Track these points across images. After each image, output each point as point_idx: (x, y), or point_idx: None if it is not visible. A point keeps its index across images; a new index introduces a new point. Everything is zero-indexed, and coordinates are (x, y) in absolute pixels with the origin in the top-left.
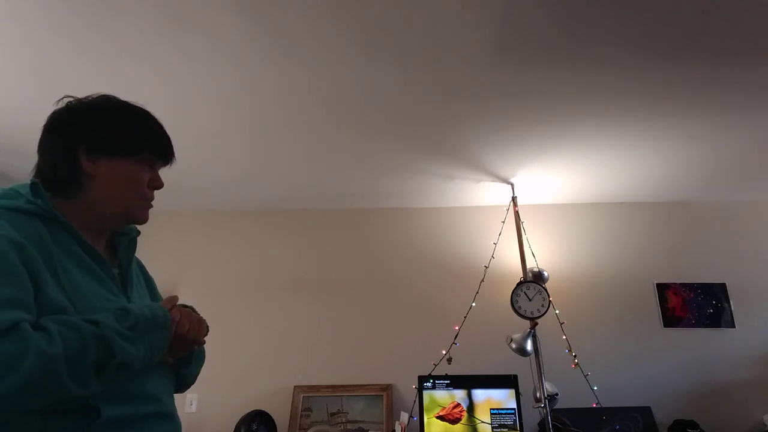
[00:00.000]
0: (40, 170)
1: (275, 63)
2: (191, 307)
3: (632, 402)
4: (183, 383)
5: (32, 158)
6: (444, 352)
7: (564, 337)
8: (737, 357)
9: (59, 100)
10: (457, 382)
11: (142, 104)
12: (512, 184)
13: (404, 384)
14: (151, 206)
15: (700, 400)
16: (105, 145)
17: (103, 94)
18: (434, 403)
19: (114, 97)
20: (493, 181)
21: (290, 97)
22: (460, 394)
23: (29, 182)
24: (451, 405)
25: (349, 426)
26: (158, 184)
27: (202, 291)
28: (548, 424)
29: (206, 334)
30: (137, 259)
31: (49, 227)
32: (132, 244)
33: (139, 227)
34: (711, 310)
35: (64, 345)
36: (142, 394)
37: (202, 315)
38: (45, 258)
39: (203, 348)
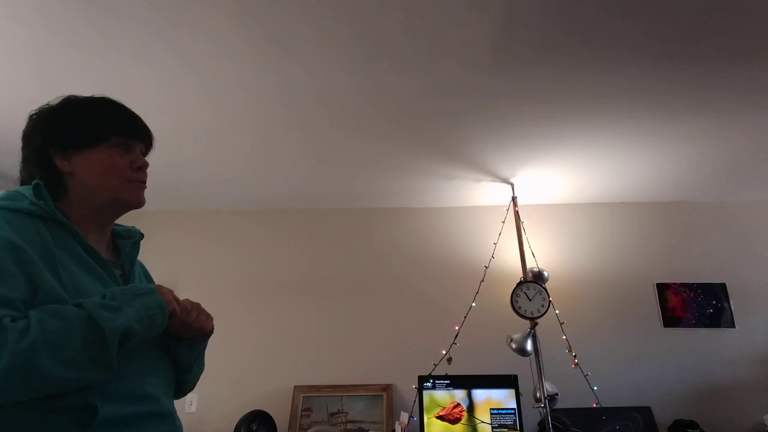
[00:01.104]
0: (23, 182)
1: (275, 63)
2: None
3: (632, 402)
4: (181, 389)
5: None
6: (444, 352)
7: (564, 337)
8: (737, 357)
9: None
10: (457, 382)
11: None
12: (512, 184)
13: (404, 384)
14: (144, 187)
15: (700, 400)
16: (71, 141)
17: (64, 96)
18: (434, 403)
19: (74, 96)
20: (493, 181)
21: (290, 97)
22: (460, 394)
23: (32, 184)
24: (451, 405)
25: (349, 426)
26: (141, 164)
27: (202, 291)
28: (548, 424)
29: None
30: (140, 262)
31: (50, 228)
32: (135, 247)
33: (141, 230)
34: (711, 310)
35: (44, 331)
36: (140, 394)
37: None
38: (46, 259)
39: (204, 356)
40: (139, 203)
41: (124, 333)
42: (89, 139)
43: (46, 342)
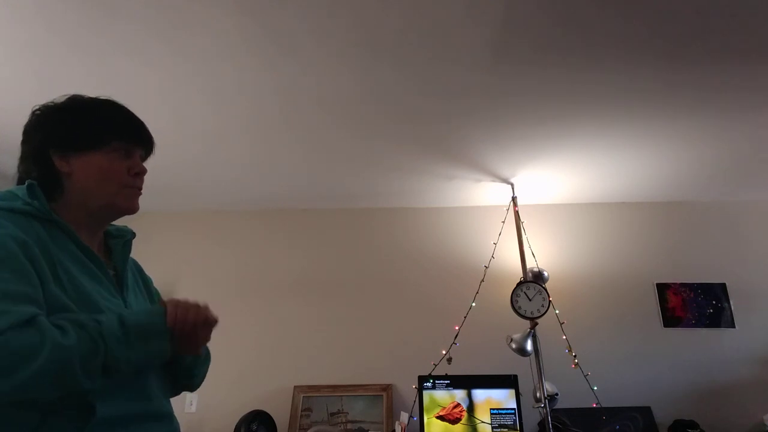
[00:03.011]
0: (20, 179)
1: (275, 63)
2: None
3: (632, 402)
4: (192, 384)
5: None
6: (444, 352)
7: (564, 337)
8: (737, 357)
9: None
10: (457, 382)
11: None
12: (512, 184)
13: (404, 384)
14: (139, 194)
15: (700, 400)
16: (72, 142)
17: (69, 94)
18: (434, 403)
19: (79, 95)
20: (493, 181)
21: (290, 96)
22: (460, 394)
23: (26, 184)
24: (451, 405)
25: (349, 426)
26: (139, 170)
27: (202, 291)
28: (548, 424)
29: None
30: (133, 260)
31: (46, 228)
32: (126, 247)
33: (138, 229)
34: (711, 310)
35: (78, 340)
36: (138, 394)
37: None
38: (45, 258)
39: (208, 349)
40: (132, 210)
41: (130, 367)
42: (90, 141)
43: (80, 350)
